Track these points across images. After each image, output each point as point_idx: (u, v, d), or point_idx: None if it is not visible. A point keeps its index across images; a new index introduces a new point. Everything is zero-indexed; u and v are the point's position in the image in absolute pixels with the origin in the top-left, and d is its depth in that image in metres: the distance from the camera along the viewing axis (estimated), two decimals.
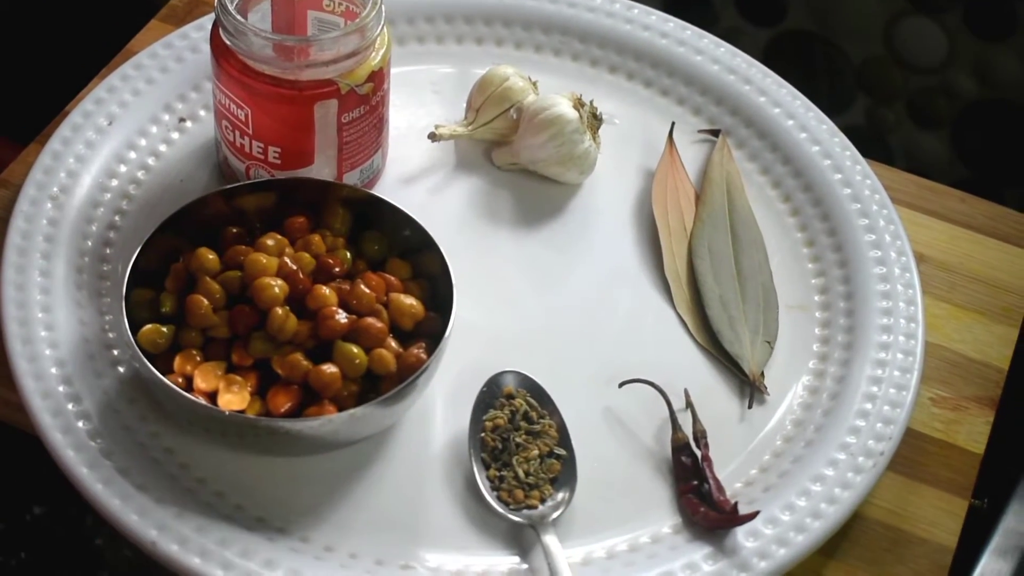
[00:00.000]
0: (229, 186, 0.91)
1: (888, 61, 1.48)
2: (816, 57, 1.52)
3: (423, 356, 0.85)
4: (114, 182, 0.98)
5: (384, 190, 0.99)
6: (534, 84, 1.04)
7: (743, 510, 0.85)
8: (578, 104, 1.00)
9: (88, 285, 0.92)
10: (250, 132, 0.93)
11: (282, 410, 0.83)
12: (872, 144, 1.51)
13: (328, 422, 0.82)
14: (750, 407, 0.92)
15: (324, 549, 0.83)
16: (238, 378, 0.84)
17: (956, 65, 1.45)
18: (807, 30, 1.51)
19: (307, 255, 0.88)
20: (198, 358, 0.85)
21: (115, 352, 0.90)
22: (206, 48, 0.94)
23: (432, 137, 1.01)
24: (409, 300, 0.87)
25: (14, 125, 1.12)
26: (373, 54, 0.92)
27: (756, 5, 1.51)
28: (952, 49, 1.44)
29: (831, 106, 1.12)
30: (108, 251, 0.95)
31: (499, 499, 0.85)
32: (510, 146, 1.02)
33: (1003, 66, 1.44)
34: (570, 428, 0.88)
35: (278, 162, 0.94)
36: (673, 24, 1.11)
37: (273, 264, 0.86)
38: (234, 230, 0.90)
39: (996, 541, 0.93)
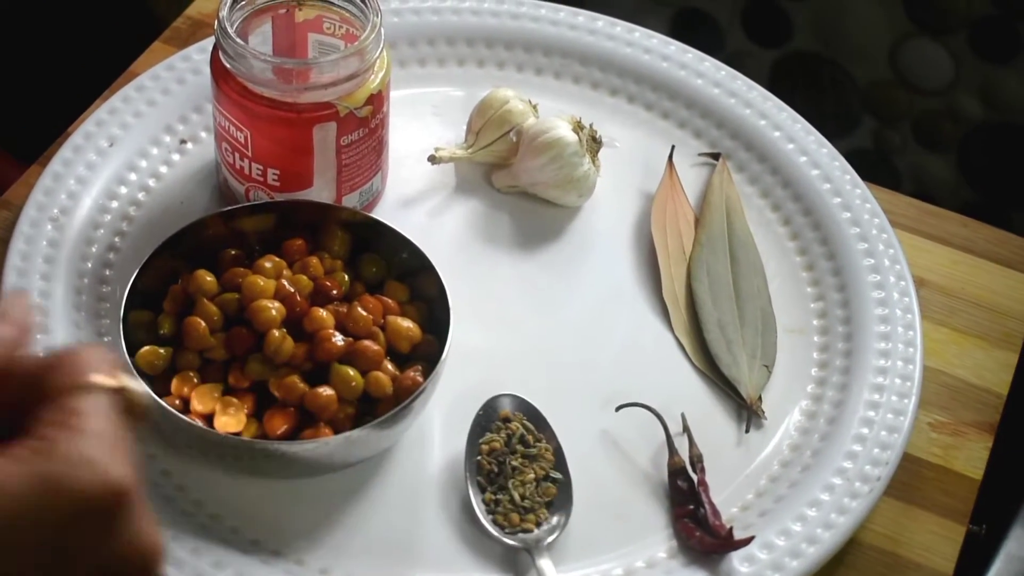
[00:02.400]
0: (228, 208, 0.92)
1: (894, 83, 1.49)
2: (822, 79, 1.52)
3: (419, 379, 0.85)
4: (114, 204, 0.98)
5: (383, 212, 0.99)
6: (534, 107, 1.04)
7: (739, 535, 0.85)
8: (578, 127, 1.00)
9: (87, 307, 0.93)
10: (249, 154, 0.93)
11: (278, 432, 0.83)
12: (878, 166, 1.51)
13: (324, 445, 0.82)
14: (747, 431, 0.92)
15: (319, 572, 0.83)
16: (235, 400, 0.84)
17: (961, 87, 1.46)
18: (813, 52, 1.51)
19: (305, 277, 0.88)
20: (195, 380, 0.85)
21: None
22: (207, 70, 0.94)
23: (432, 160, 1.01)
24: (406, 323, 0.87)
25: (17, 143, 1.12)
26: (372, 77, 0.93)
27: (763, 27, 1.51)
28: (958, 72, 1.45)
29: (837, 128, 1.13)
30: (107, 272, 0.95)
31: (494, 523, 0.85)
32: (510, 169, 1.02)
33: (1008, 89, 1.44)
34: (566, 452, 0.88)
35: (277, 184, 0.94)
36: (674, 47, 1.11)
37: (270, 286, 0.86)
38: (232, 252, 0.90)
39: (997, 567, 0.93)
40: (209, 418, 0.83)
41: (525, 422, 0.88)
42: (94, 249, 0.96)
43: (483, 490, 0.86)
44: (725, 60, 1.12)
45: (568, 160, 0.99)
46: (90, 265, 0.95)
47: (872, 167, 1.09)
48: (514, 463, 0.87)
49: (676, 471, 0.88)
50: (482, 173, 1.04)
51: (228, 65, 0.91)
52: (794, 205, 1.03)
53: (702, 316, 0.96)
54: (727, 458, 0.90)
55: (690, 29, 1.53)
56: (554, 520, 0.85)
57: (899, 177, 1.53)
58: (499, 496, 0.86)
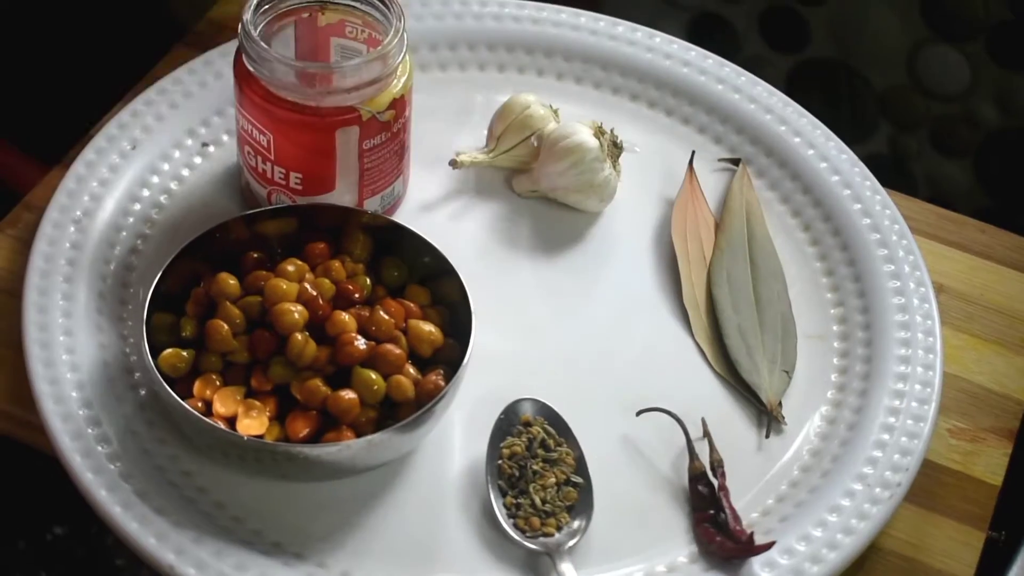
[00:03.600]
0: (250, 211, 0.92)
1: (911, 89, 1.48)
2: (839, 84, 1.52)
3: (441, 383, 0.85)
4: (137, 206, 0.99)
5: (405, 216, 0.99)
6: (555, 112, 1.04)
7: (759, 540, 0.85)
8: (599, 132, 1.01)
9: (109, 309, 0.93)
10: (272, 158, 0.94)
11: (300, 436, 0.83)
12: (894, 172, 1.51)
13: (346, 448, 0.82)
14: (767, 437, 0.92)
15: (341, 575, 0.83)
16: (257, 403, 0.84)
17: (979, 93, 1.45)
18: (830, 57, 1.51)
19: (327, 281, 0.88)
20: (218, 383, 0.85)
21: (135, 376, 0.90)
22: (230, 74, 0.95)
23: (453, 164, 1.02)
24: (428, 327, 0.87)
25: (39, 146, 1.13)
26: (395, 81, 0.93)
27: (780, 32, 1.51)
28: (975, 78, 1.44)
29: (853, 133, 1.12)
30: (130, 275, 0.95)
31: (515, 527, 0.85)
32: (530, 173, 1.02)
33: None
34: (587, 456, 0.88)
35: (299, 188, 0.95)
36: (695, 52, 1.11)
37: (293, 290, 0.87)
38: (255, 255, 0.90)
39: (1016, 572, 0.93)
40: (231, 421, 0.84)
41: (546, 426, 0.89)
42: (116, 252, 0.96)
43: (504, 494, 0.86)
44: (742, 65, 1.12)
45: (589, 165, 0.99)
46: (112, 268, 0.95)
47: (888, 172, 1.08)
48: (535, 467, 0.87)
49: (697, 476, 0.88)
50: (503, 177, 1.04)
51: (251, 69, 0.91)
52: (814, 211, 1.03)
53: (722, 321, 0.97)
54: (747, 463, 0.90)
55: (707, 34, 1.53)
56: (575, 524, 0.85)
57: (915, 182, 1.52)
58: (520, 500, 0.86)
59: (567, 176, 1.00)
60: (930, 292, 0.98)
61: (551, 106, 1.04)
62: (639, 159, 1.06)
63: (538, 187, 1.02)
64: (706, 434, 0.90)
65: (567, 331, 0.97)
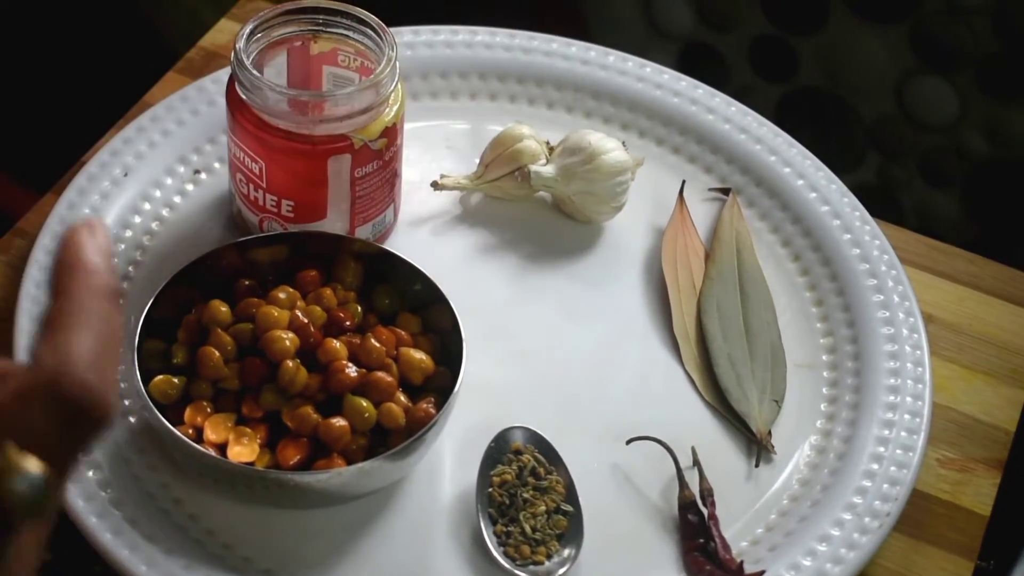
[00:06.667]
0: (242, 239, 0.92)
1: (900, 119, 1.49)
2: (828, 114, 1.52)
3: (432, 411, 0.85)
4: (128, 233, 0.99)
5: (396, 244, 0.99)
6: (548, 147, 1.04)
7: (749, 569, 0.85)
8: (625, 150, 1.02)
9: None
10: (264, 185, 0.94)
11: (291, 463, 0.83)
12: (882, 202, 1.52)
13: (337, 475, 0.82)
14: (757, 466, 0.92)
15: None
16: (248, 430, 0.84)
17: (967, 124, 1.46)
18: (819, 87, 1.51)
19: (318, 308, 0.88)
20: (208, 409, 0.85)
21: (126, 402, 0.90)
22: (222, 101, 0.95)
23: (435, 186, 1.02)
24: (419, 355, 0.88)
25: (31, 173, 1.13)
26: (387, 110, 0.93)
27: (769, 62, 1.51)
28: (963, 108, 1.45)
29: (842, 163, 1.13)
30: (121, 302, 0.95)
31: (506, 555, 0.85)
32: (552, 167, 1.01)
33: (1014, 126, 1.44)
34: (577, 484, 0.88)
35: (291, 215, 0.95)
36: (685, 83, 1.12)
37: (284, 317, 0.87)
38: (246, 283, 0.90)
39: None
40: (222, 448, 0.84)
41: (536, 455, 0.89)
42: None
43: (494, 522, 0.86)
44: (731, 95, 1.12)
45: (625, 184, 1.01)
46: None
47: (876, 202, 1.09)
48: (525, 495, 0.87)
49: (686, 505, 0.89)
50: (495, 207, 1.04)
51: (244, 97, 0.91)
52: (804, 241, 1.04)
53: (712, 351, 0.97)
54: (737, 492, 0.91)
55: (696, 64, 1.54)
56: (565, 553, 0.85)
57: (903, 213, 1.53)
58: (510, 528, 0.86)
59: (599, 186, 1.01)
60: (919, 322, 0.98)
61: (548, 142, 1.04)
62: (630, 188, 1.06)
63: (557, 186, 1.02)
64: (696, 463, 0.90)
65: (558, 360, 0.97)
